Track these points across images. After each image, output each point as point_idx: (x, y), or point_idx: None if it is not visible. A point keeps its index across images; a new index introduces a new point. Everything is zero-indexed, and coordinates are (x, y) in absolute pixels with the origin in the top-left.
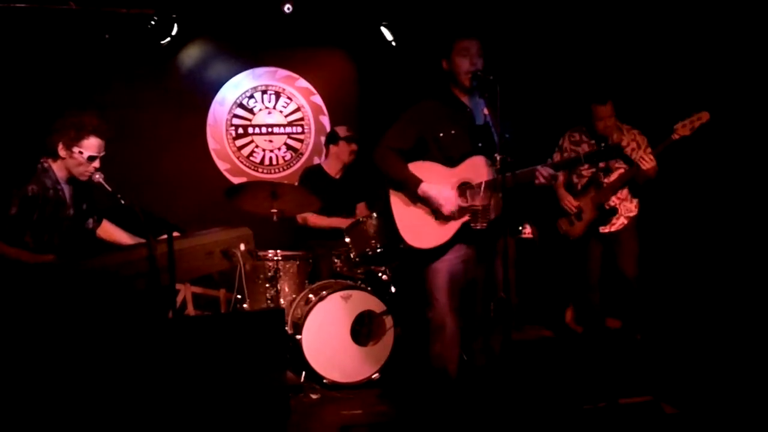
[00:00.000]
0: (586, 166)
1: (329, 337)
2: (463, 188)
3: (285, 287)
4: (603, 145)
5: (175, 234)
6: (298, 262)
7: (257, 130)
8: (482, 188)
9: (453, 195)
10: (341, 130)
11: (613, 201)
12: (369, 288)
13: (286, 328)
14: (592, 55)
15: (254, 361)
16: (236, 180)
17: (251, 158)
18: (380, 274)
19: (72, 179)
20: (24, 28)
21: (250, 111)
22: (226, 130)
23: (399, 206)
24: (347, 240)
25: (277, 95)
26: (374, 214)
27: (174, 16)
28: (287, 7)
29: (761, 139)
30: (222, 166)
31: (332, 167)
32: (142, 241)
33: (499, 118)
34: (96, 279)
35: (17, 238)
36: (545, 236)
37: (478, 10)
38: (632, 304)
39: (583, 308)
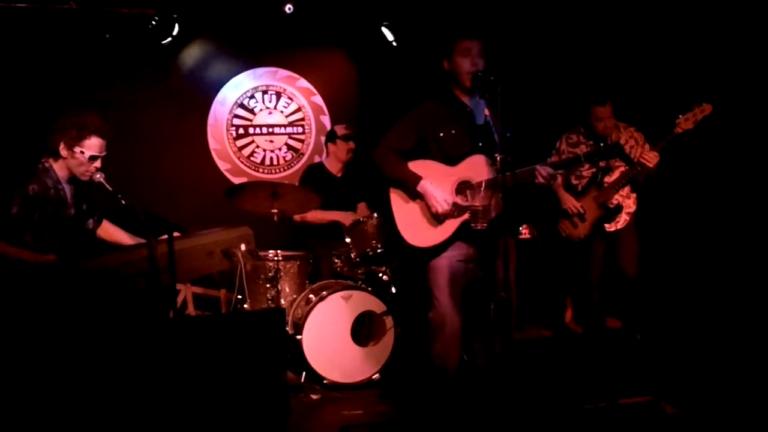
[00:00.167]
0: (586, 167)
1: (330, 337)
2: (463, 187)
3: (285, 287)
4: (602, 144)
5: (176, 234)
6: (298, 263)
7: (258, 130)
8: (482, 188)
9: (448, 196)
10: (339, 129)
11: (616, 199)
12: (369, 288)
13: (287, 328)
14: (589, 54)
15: (255, 361)
16: (237, 180)
17: (252, 158)
18: (381, 275)
19: (73, 179)
20: (25, 28)
21: (251, 111)
22: (227, 130)
23: (399, 205)
24: (348, 240)
25: (278, 95)
26: (375, 214)
27: (175, 16)
28: (288, 8)
29: (760, 135)
30: (223, 166)
31: (333, 165)
32: (143, 241)
33: (500, 118)
34: (96, 279)
35: (18, 237)
36: (545, 237)
37: (479, 10)
38: (632, 304)
39: (584, 308)
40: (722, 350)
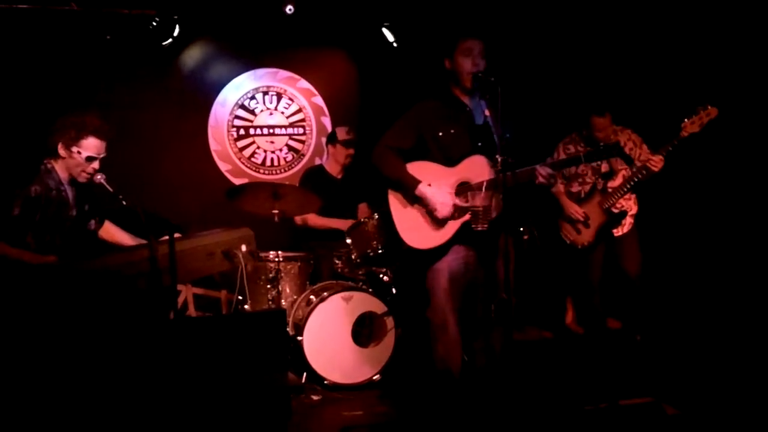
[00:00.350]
0: (589, 173)
1: (330, 338)
2: (462, 188)
3: (286, 288)
4: (602, 144)
5: (177, 235)
6: (299, 263)
7: (258, 131)
8: (483, 188)
9: (449, 199)
10: (341, 133)
11: (619, 203)
12: (370, 289)
13: (288, 329)
14: (590, 56)
15: (255, 362)
16: (237, 181)
17: (252, 159)
18: (381, 275)
19: (75, 180)
20: (26, 29)
21: (252, 112)
22: (228, 131)
23: (397, 206)
24: (348, 241)
25: (279, 96)
26: (375, 215)
27: (175, 17)
28: (288, 8)
29: (760, 136)
30: (223, 167)
31: (333, 168)
32: (144, 242)
33: (500, 119)
34: (98, 280)
35: (19, 238)
36: (545, 238)
37: (479, 11)
38: (634, 305)
39: (585, 309)
40: (723, 351)
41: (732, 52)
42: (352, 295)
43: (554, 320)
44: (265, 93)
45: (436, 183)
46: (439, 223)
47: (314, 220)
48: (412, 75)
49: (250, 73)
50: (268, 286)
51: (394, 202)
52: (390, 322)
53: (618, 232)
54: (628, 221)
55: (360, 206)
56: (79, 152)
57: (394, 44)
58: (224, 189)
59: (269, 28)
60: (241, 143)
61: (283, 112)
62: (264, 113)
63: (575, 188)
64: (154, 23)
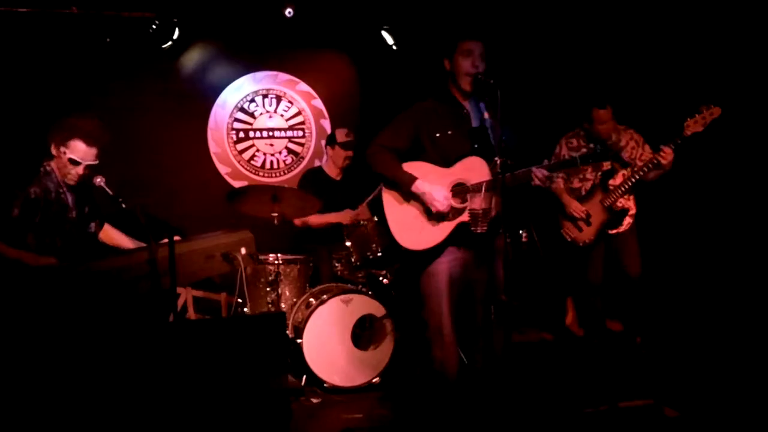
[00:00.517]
0: (589, 170)
1: (330, 340)
2: (458, 189)
3: (286, 291)
4: (598, 147)
5: (176, 237)
6: (299, 266)
7: (258, 133)
8: (482, 190)
9: (447, 194)
10: (340, 135)
11: (620, 201)
12: (370, 292)
13: (287, 331)
14: (590, 56)
15: (255, 364)
16: (237, 183)
17: (252, 162)
18: (381, 278)
19: (80, 180)
20: (27, 32)
21: (251, 115)
22: (227, 134)
23: (391, 207)
24: (348, 244)
25: (278, 99)
26: (375, 218)
27: (175, 20)
28: (288, 11)
29: (760, 137)
30: (223, 169)
31: (332, 169)
32: (144, 244)
33: (499, 120)
34: (97, 282)
35: (20, 239)
36: (545, 240)
37: (479, 14)
38: (634, 306)
39: (585, 311)
40: (723, 353)
41: (734, 52)
42: (352, 298)
43: (554, 322)
44: (265, 96)
45: (432, 181)
46: (433, 223)
47: (315, 219)
48: (412, 77)
49: (250, 75)
50: (268, 289)
51: (388, 202)
52: (389, 324)
53: (615, 230)
54: (627, 221)
55: (360, 206)
56: (65, 153)
57: (394, 47)
58: (224, 191)
59: (269, 30)
60: (241, 146)
61: (282, 115)
62: (264, 116)
63: (576, 185)
64: (154, 26)
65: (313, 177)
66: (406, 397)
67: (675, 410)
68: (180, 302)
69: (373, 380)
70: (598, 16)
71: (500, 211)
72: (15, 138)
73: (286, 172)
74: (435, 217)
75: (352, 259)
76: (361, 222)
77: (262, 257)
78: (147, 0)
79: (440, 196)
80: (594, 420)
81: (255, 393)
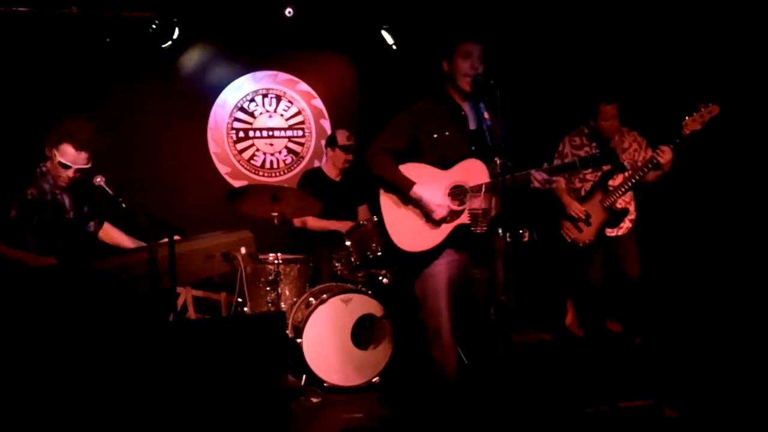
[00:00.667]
0: (590, 170)
1: (330, 340)
2: (456, 191)
3: (286, 290)
4: (598, 151)
5: (176, 237)
6: (298, 266)
7: (258, 133)
8: (483, 190)
9: (445, 200)
10: (341, 137)
11: (620, 203)
12: (369, 291)
13: (287, 331)
14: (590, 56)
15: (255, 364)
16: (237, 183)
17: (252, 162)
18: (381, 278)
19: (72, 183)
20: (26, 32)
21: (251, 114)
22: (227, 134)
23: (389, 208)
24: (348, 243)
25: (278, 99)
26: (375, 218)
27: (175, 19)
28: (288, 11)
29: (761, 138)
30: (223, 169)
31: (331, 171)
32: (144, 244)
33: (499, 122)
34: (97, 282)
35: (18, 240)
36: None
37: (481, 13)
38: (634, 307)
39: (586, 312)
40: (722, 354)
41: (733, 52)
42: (352, 298)
43: (554, 322)
44: (265, 95)
45: (430, 185)
46: (431, 225)
47: (313, 222)
48: (412, 78)
49: (250, 75)
50: (268, 289)
51: (386, 204)
52: (389, 324)
53: (612, 232)
54: (627, 224)
55: (360, 208)
56: (55, 156)
57: (394, 47)
58: (224, 191)
59: (269, 30)
60: (241, 146)
61: (282, 115)
62: (263, 116)
63: (577, 185)
64: (154, 26)
65: (312, 177)
66: (405, 396)
67: (674, 410)
68: (180, 302)
69: (373, 380)
70: (597, 17)
71: (500, 211)
72: (14, 139)
73: (285, 171)
74: (433, 219)
75: (352, 259)
76: (361, 222)
77: (261, 257)
78: (147, 0)
79: (438, 202)
80: (594, 420)
81: (255, 393)
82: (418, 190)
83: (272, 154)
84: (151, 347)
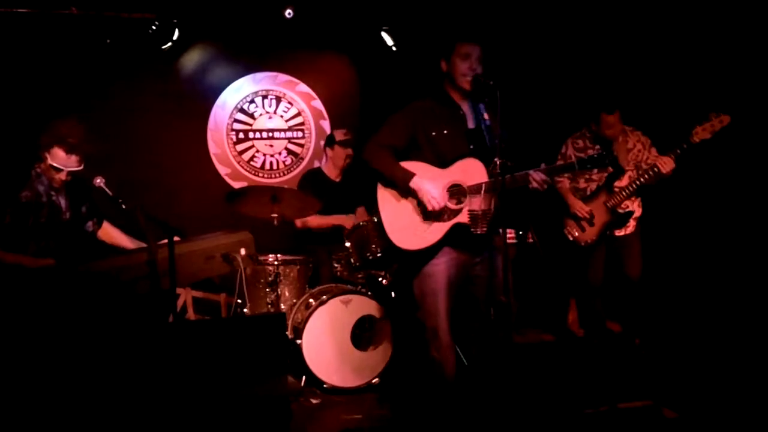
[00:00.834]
0: (595, 171)
1: (329, 341)
2: (454, 190)
3: (285, 291)
4: (596, 153)
5: (176, 238)
6: (298, 267)
7: (258, 134)
8: (482, 190)
9: (443, 193)
10: (338, 134)
11: (625, 204)
12: (369, 292)
13: (287, 332)
14: (595, 58)
15: (255, 365)
16: (237, 184)
17: (252, 163)
18: (380, 279)
19: (66, 184)
20: (25, 33)
21: (251, 116)
22: (227, 135)
23: (386, 205)
24: (347, 244)
25: (278, 100)
26: (374, 219)
27: (175, 20)
28: (288, 12)
29: (761, 140)
30: (223, 170)
31: (331, 171)
32: (143, 244)
33: (499, 122)
34: (96, 283)
35: (17, 243)
36: (546, 241)
37: (479, 15)
38: (635, 308)
39: (586, 311)
40: (722, 354)
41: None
42: (351, 299)
43: (555, 322)
44: (265, 96)
45: (429, 182)
46: (429, 224)
47: (314, 220)
48: (412, 79)
49: (250, 76)
50: (268, 290)
51: (383, 199)
52: (389, 325)
53: (621, 232)
54: (632, 224)
55: (358, 210)
56: (47, 159)
57: (394, 48)
58: (223, 192)
59: (269, 31)
60: (241, 147)
61: (282, 116)
62: (263, 117)
63: (582, 185)
64: (154, 27)
65: (312, 178)
66: (405, 397)
67: (674, 411)
68: (179, 303)
69: (373, 381)
70: (598, 17)
71: (499, 211)
72: (13, 140)
73: (285, 172)
74: (430, 217)
75: (352, 260)
76: (361, 223)
77: (261, 258)
78: (147, 1)
79: (436, 194)
80: (594, 420)
81: (254, 394)
82: (417, 181)
83: (272, 155)
84: (151, 348)
